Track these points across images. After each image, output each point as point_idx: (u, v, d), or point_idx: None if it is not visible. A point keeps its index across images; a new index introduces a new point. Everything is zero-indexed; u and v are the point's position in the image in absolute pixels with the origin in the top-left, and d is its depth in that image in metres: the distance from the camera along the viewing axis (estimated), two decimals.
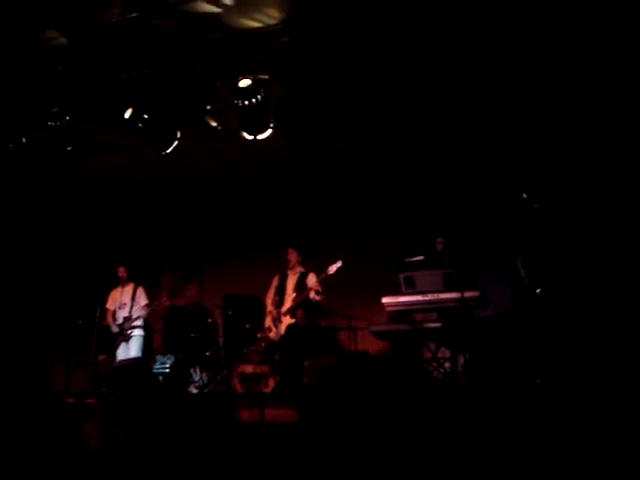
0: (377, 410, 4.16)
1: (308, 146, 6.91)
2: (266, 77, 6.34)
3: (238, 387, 6.98)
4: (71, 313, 8.23)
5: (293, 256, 7.46)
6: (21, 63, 6.44)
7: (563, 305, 5.58)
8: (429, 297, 6.21)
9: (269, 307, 7.46)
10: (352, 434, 4.09)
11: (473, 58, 6.01)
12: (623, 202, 6.31)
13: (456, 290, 6.02)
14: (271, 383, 6.86)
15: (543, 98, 6.45)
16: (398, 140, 7.63)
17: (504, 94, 6.50)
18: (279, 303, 7.33)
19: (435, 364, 6.29)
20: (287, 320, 7.19)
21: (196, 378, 8.02)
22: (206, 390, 7.64)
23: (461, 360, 6.17)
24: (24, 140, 7.20)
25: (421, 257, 6.70)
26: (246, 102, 6.29)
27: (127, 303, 8.11)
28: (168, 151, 6.96)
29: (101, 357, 7.78)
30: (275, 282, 7.55)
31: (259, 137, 6.63)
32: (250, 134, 6.63)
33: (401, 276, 6.42)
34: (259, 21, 5.90)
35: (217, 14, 5.76)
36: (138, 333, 8.01)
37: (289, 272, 7.48)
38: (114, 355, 7.87)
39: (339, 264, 6.89)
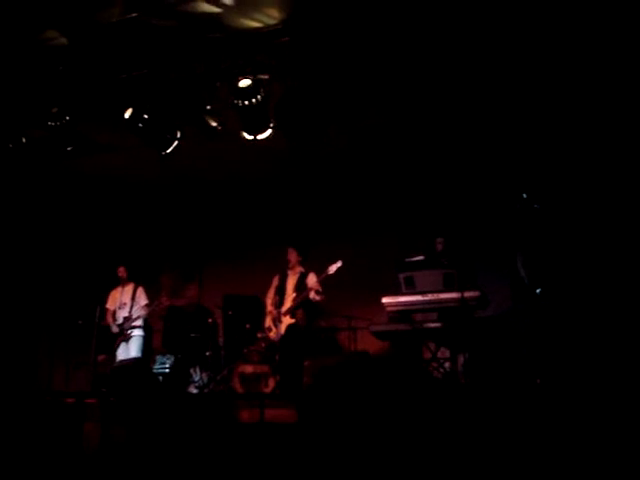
0: (377, 410, 4.17)
1: (308, 146, 6.92)
2: (266, 77, 6.34)
3: (238, 387, 6.98)
4: (71, 313, 8.23)
5: (293, 256, 7.46)
6: (21, 63, 6.44)
7: (563, 305, 5.58)
8: (429, 297, 6.20)
9: (269, 307, 7.46)
10: (352, 434, 4.09)
11: (473, 57, 6.01)
12: (623, 202, 6.31)
13: (456, 290, 6.02)
14: (271, 383, 6.86)
15: (543, 98, 6.45)
16: (398, 140, 7.63)
17: (504, 94, 6.50)
18: (279, 303, 7.33)
19: (435, 364, 6.28)
20: (287, 320, 7.18)
21: (196, 378, 8.01)
22: (206, 390, 7.64)
23: (461, 360, 6.16)
24: (24, 140, 7.21)
25: (421, 257, 6.71)
26: (246, 102, 6.30)
27: (127, 303, 8.11)
28: (168, 151, 6.96)
29: (101, 357, 7.78)
30: (275, 282, 7.55)
31: (259, 137, 6.63)
32: (250, 134, 6.63)
33: (401, 276, 6.42)
34: (259, 21, 5.91)
35: (217, 14, 5.76)
36: (138, 333, 8.01)
37: (289, 272, 7.48)
38: (114, 355, 7.87)
39: (339, 264, 6.88)
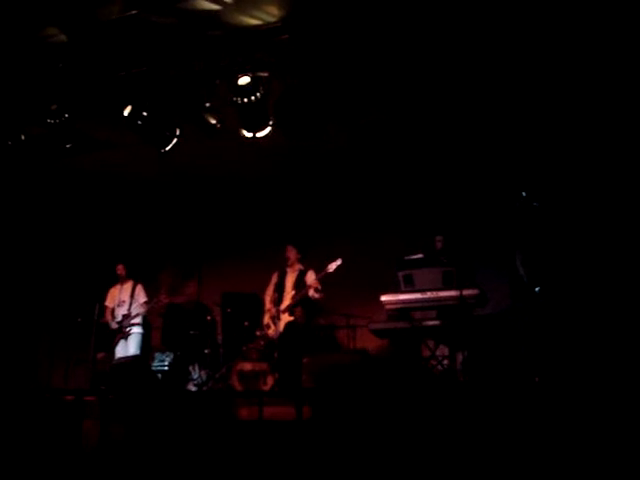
0: (376, 408, 4.17)
1: (307, 144, 6.91)
2: (265, 74, 6.34)
3: (237, 385, 6.98)
4: (70, 311, 8.23)
5: (292, 253, 7.46)
6: (20, 60, 6.43)
7: (562, 303, 5.58)
8: (428, 295, 6.21)
9: (268, 305, 7.45)
10: (351, 432, 4.10)
11: (473, 55, 6.00)
12: (622, 200, 6.31)
13: (455, 288, 6.03)
14: (270, 381, 6.86)
15: (542, 97, 6.44)
16: (397, 138, 7.62)
17: (503, 92, 6.50)
18: (278, 301, 7.33)
19: (434, 362, 6.29)
20: (286, 318, 7.18)
21: (195, 376, 8.01)
22: (205, 388, 7.64)
23: (460, 358, 6.17)
24: (23, 137, 7.20)
25: (420, 255, 6.71)
26: (245, 100, 6.29)
27: (126, 300, 8.11)
28: (167, 149, 6.95)
29: (100, 355, 7.77)
30: (274, 279, 7.55)
31: (258, 135, 6.63)
32: (249, 132, 6.63)
33: (400, 274, 6.43)
34: (258, 18, 5.90)
35: (216, 11, 5.76)
36: (137, 331, 8.02)
37: (288, 269, 7.47)
38: (113, 353, 7.87)
39: (339, 262, 6.88)
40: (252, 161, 7.91)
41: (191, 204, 9.33)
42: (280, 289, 7.39)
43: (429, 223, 7.67)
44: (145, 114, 6.71)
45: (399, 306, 6.35)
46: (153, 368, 8.09)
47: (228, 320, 8.45)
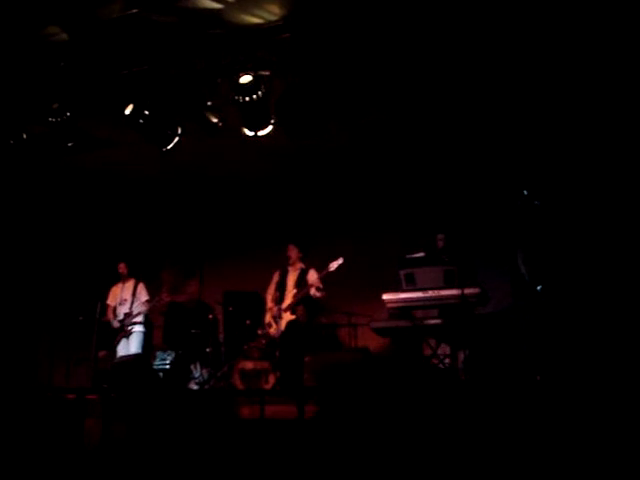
0: (378, 406, 4.17)
1: (309, 142, 6.91)
2: (267, 73, 6.34)
3: (238, 383, 6.99)
4: (72, 309, 8.23)
5: (294, 252, 7.46)
6: (22, 59, 6.43)
7: (564, 302, 5.58)
8: (429, 294, 6.20)
9: (269, 303, 7.46)
10: (353, 430, 4.10)
11: (474, 54, 6.00)
12: (623, 199, 6.30)
13: (456, 287, 6.02)
14: (271, 379, 6.87)
15: (544, 95, 6.44)
16: (399, 136, 7.62)
17: (505, 90, 6.49)
18: (279, 299, 7.34)
19: (435, 360, 6.29)
20: (287, 316, 7.19)
21: (196, 374, 8.02)
22: (206, 386, 7.64)
23: (461, 357, 6.17)
24: (25, 136, 7.20)
25: (422, 254, 6.71)
26: (247, 98, 6.29)
27: (128, 299, 8.12)
28: (169, 147, 6.96)
29: (101, 353, 7.77)
30: (275, 278, 7.55)
31: (260, 133, 6.63)
32: (251, 130, 6.63)
33: (402, 273, 6.42)
34: (260, 17, 5.90)
35: (218, 10, 5.75)
36: (138, 329, 8.02)
37: (289, 268, 7.48)
38: (114, 351, 7.88)
39: (340, 261, 6.89)
40: (253, 160, 7.91)
41: (193, 203, 9.33)
42: (282, 288, 7.39)
43: (430, 222, 7.66)
44: (146, 113, 6.71)
45: (400, 305, 6.35)
46: (155, 367, 8.09)
47: (230, 319, 8.45)
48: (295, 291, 7.23)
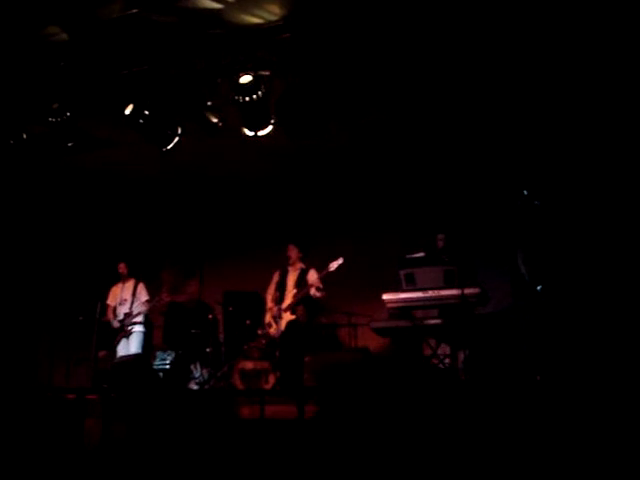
0: (378, 406, 4.17)
1: (309, 142, 6.91)
2: (267, 73, 6.34)
3: (238, 383, 6.99)
4: (72, 309, 8.23)
5: (294, 252, 7.46)
6: (22, 59, 6.43)
7: (564, 302, 5.58)
8: (429, 294, 6.20)
9: (269, 303, 7.46)
10: (353, 430, 4.10)
11: (474, 54, 6.00)
12: (623, 199, 6.30)
13: (456, 287, 6.02)
14: (271, 379, 6.86)
15: (544, 95, 6.44)
16: (399, 136, 7.62)
17: (505, 90, 6.49)
18: (279, 299, 7.34)
19: (435, 360, 6.29)
20: (287, 316, 7.19)
21: (196, 374, 8.02)
22: (206, 386, 7.64)
23: (461, 357, 6.17)
24: (25, 136, 7.20)
25: (422, 254, 6.71)
26: (247, 98, 6.29)
27: (128, 299, 8.12)
28: (169, 147, 6.96)
29: (101, 353, 7.77)
30: (275, 278, 7.55)
31: (260, 133, 6.63)
32: (251, 130, 6.63)
33: (402, 273, 6.42)
34: (260, 17, 5.90)
35: (218, 10, 5.75)
36: (138, 329, 8.02)
37: (289, 268, 7.48)
38: (114, 351, 7.88)
39: (340, 261, 6.89)
40: (253, 160, 7.91)
41: (193, 203, 9.33)
42: (282, 288, 7.39)
43: (430, 222, 7.66)
44: (146, 113, 6.71)
45: (400, 305, 6.35)
46: (155, 367, 8.09)
47: (230, 319, 8.45)
48: (295, 291, 7.23)
